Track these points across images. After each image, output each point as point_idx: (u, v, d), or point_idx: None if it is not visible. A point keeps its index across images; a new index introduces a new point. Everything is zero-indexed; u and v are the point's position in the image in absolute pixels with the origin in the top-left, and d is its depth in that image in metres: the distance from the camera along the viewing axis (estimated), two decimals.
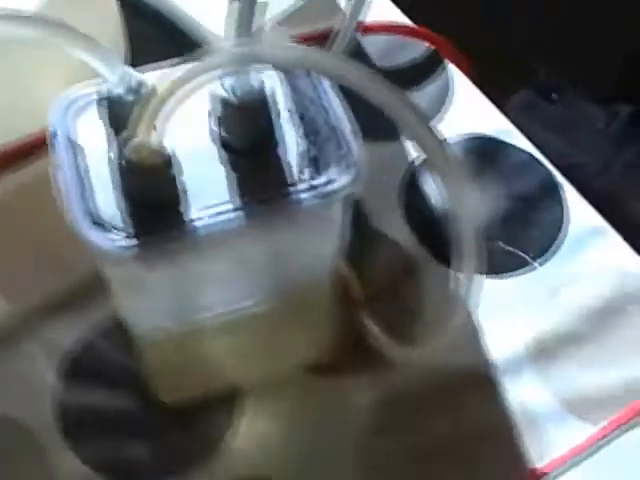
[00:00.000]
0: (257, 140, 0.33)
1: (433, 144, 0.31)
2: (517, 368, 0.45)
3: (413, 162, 0.51)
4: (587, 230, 0.49)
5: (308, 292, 0.38)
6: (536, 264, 0.48)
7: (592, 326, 0.46)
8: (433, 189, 0.50)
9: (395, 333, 0.42)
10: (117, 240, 0.31)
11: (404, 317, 0.46)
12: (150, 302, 0.35)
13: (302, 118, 0.34)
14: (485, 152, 0.52)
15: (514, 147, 0.52)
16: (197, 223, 0.31)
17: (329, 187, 0.32)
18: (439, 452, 0.43)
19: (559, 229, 0.49)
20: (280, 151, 0.33)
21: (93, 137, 0.33)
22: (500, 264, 0.48)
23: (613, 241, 0.49)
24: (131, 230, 0.31)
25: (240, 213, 0.32)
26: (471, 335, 0.46)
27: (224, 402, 0.44)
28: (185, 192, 0.32)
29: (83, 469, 0.42)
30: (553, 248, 0.48)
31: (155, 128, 0.30)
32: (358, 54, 0.55)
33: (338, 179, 0.32)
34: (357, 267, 0.46)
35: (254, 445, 0.43)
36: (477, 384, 0.45)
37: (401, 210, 0.50)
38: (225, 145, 0.33)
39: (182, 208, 0.32)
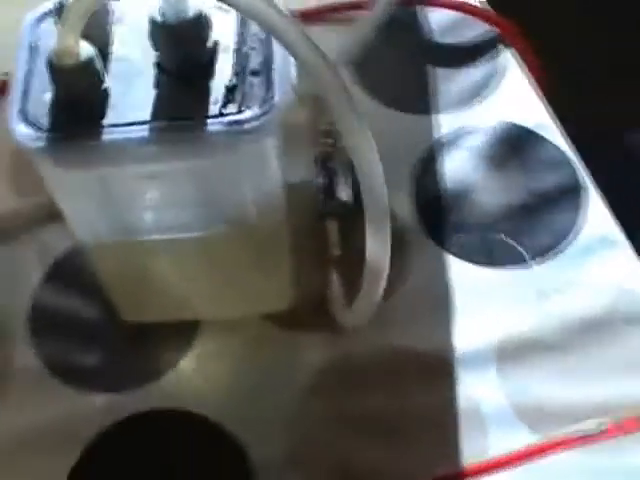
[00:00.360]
0: (187, 66, 0.33)
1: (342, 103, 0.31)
2: (480, 362, 0.43)
3: (437, 140, 0.50)
4: (598, 239, 0.46)
5: (252, 230, 0.38)
6: (532, 262, 0.46)
7: (574, 338, 0.44)
8: (448, 171, 0.49)
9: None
10: (33, 135, 0.33)
11: None
12: (81, 208, 0.37)
13: (243, 54, 0.34)
14: (517, 142, 0.49)
15: (548, 142, 0.49)
16: (107, 129, 0.32)
17: (238, 121, 0.32)
18: (371, 424, 0.42)
19: (569, 233, 0.46)
20: (209, 81, 0.33)
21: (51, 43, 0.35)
22: (497, 255, 0.46)
23: (623, 255, 0.46)
24: (48, 127, 0.33)
25: (152, 130, 0.33)
26: (444, 318, 0.45)
27: (180, 333, 0.45)
28: (106, 100, 0.33)
29: (37, 365, 0.44)
30: (556, 250, 0.46)
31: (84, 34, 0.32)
32: (418, 25, 0.54)
33: (251, 117, 0.32)
34: (345, 230, 0.46)
35: (199, 380, 0.44)
36: (433, 367, 0.43)
37: (410, 185, 0.49)
38: (158, 67, 0.34)
39: (99, 115, 0.33)
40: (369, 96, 0.51)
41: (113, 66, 0.34)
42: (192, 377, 0.44)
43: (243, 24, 0.35)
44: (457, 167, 0.49)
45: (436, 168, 0.49)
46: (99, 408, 0.43)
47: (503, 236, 0.47)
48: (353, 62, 0.51)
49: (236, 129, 0.33)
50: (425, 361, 0.43)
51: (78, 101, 0.33)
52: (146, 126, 0.33)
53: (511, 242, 0.46)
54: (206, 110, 0.33)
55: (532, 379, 0.43)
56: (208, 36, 0.33)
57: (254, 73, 0.34)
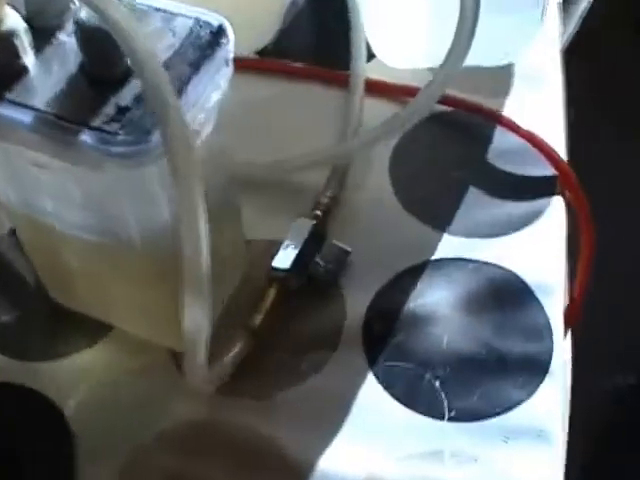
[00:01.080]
0: (101, 74, 0.33)
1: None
2: None
3: (432, 260, 0.46)
4: (531, 429, 0.41)
5: (139, 256, 0.38)
6: (448, 420, 0.41)
7: None
8: (422, 295, 0.45)
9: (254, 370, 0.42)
10: None
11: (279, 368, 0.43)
12: None
13: None
14: (507, 294, 0.45)
15: (539, 308, 0.44)
16: (5, 103, 0.33)
17: (106, 141, 0.32)
18: None
19: (505, 409, 0.41)
20: (112, 96, 0.33)
21: None
22: (419, 397, 0.42)
23: (546, 456, 0.40)
24: None
25: (36, 119, 0.33)
26: (327, 431, 0.41)
27: (91, 329, 0.45)
28: (20, 77, 0.34)
29: None
30: (481, 421, 0.41)
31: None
32: (478, 140, 0.50)
33: (119, 141, 0.32)
34: (289, 309, 0.44)
35: (79, 378, 0.44)
36: (290, 472, 0.40)
37: (378, 292, 0.45)
38: (81, 65, 0.34)
39: (7, 88, 0.33)
40: (393, 190, 0.49)
41: (47, 49, 0.35)
42: (75, 372, 0.44)
43: (176, 54, 0.34)
44: (432, 295, 0.45)
45: (412, 287, 0.45)
46: None
47: (436, 382, 0.42)
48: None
49: (102, 148, 0.32)
50: (285, 463, 0.41)
51: None
52: (35, 113, 0.33)
53: (440, 391, 0.42)
54: (91, 120, 0.33)
55: None
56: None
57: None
